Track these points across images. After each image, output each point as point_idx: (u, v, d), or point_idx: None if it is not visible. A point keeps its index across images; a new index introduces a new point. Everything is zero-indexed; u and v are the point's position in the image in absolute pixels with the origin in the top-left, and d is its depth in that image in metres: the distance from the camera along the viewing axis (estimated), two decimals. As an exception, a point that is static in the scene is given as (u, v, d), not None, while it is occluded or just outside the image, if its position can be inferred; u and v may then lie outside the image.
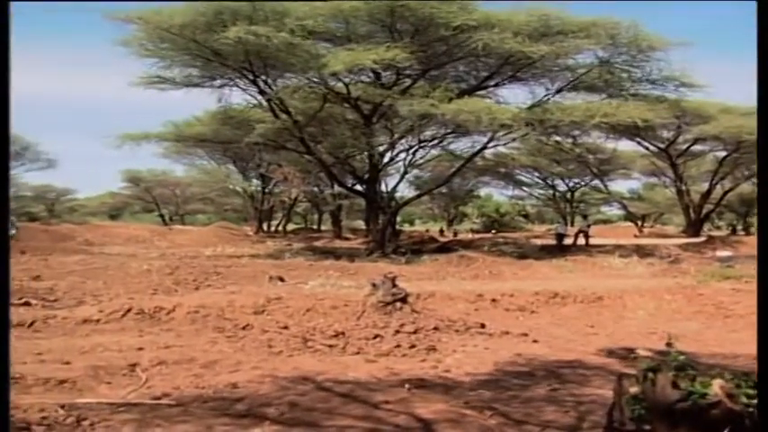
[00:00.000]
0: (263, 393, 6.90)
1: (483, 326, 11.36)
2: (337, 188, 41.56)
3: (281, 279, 16.97)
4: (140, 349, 9.06)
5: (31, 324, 10.95)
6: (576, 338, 11.28)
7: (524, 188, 59.75)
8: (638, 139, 41.15)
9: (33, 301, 13.21)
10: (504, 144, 33.53)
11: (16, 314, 11.39)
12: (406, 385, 7.30)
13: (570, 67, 27.75)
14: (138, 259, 23.00)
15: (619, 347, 10.04)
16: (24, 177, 60.89)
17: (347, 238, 44.07)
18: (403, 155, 32.81)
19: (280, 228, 58.28)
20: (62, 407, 5.61)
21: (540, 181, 58.61)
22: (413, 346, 9.58)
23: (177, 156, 52.71)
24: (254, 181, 53.19)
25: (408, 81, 28.06)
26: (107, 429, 5.00)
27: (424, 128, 30.34)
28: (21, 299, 13.27)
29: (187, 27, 24.09)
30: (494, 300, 14.15)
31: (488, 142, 31.05)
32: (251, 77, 27.08)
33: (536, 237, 40.44)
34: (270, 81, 27.37)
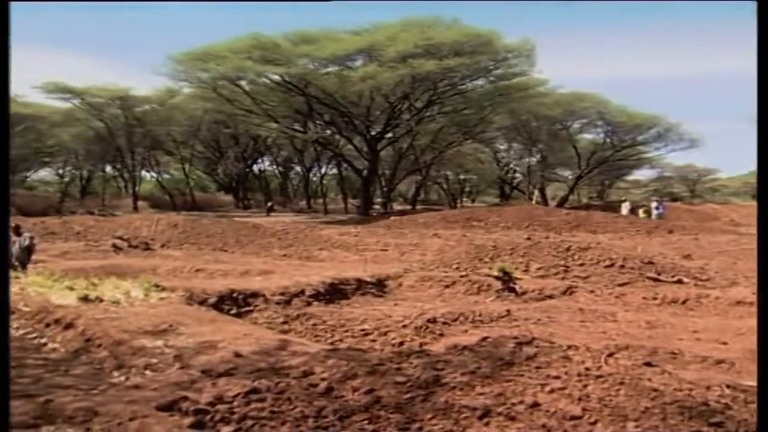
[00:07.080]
0: None
1: None
2: None
3: None
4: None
5: (685, 302, 11.35)
6: None
7: None
8: None
9: (685, 279, 13.71)
10: None
11: (670, 291, 11.97)
12: None
13: None
14: None
15: None
16: (668, 158, 62.77)
17: None
18: None
19: None
20: (728, 387, 5.71)
21: None
22: None
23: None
24: None
25: None
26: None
27: None
28: (674, 276, 13.90)
29: None
30: None
31: None
32: None
33: None
34: None
